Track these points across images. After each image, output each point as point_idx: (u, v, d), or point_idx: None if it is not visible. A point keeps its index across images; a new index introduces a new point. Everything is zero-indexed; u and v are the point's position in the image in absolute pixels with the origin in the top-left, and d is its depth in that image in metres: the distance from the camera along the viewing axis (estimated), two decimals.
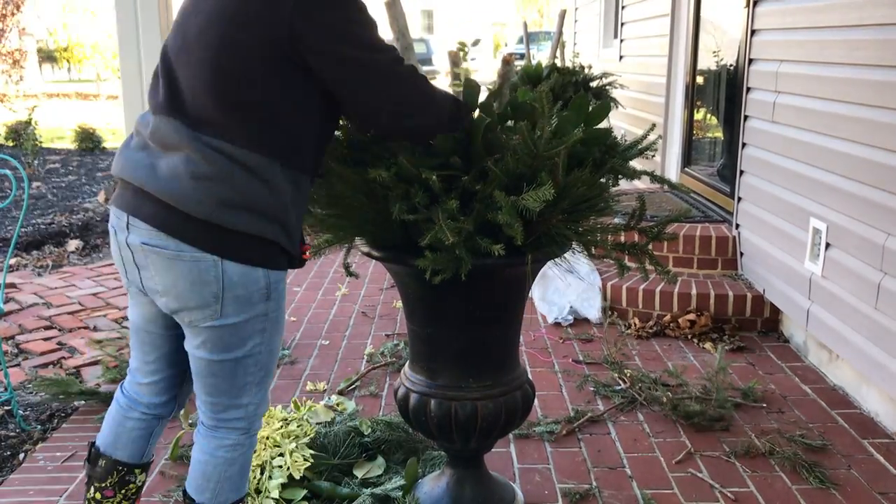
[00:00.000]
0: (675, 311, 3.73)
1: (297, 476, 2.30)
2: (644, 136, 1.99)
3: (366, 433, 2.57)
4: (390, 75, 1.64)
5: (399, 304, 4.06)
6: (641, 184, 4.95)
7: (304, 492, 2.31)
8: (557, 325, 3.82)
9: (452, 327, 2.02)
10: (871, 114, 2.80)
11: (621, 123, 6.28)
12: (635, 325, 3.74)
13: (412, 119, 1.71)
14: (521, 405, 2.12)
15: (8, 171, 2.88)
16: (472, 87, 1.83)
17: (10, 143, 10.12)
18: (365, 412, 2.90)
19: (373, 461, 2.48)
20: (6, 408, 3.05)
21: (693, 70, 5.06)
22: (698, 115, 5.11)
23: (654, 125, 2.15)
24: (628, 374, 3.16)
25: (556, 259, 2.02)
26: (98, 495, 1.88)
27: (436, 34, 33.97)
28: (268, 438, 2.40)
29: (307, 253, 1.78)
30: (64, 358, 3.57)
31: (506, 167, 1.71)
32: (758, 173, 3.74)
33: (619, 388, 3.08)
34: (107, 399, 2.98)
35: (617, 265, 2.00)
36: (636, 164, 2.07)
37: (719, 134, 4.80)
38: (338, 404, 2.92)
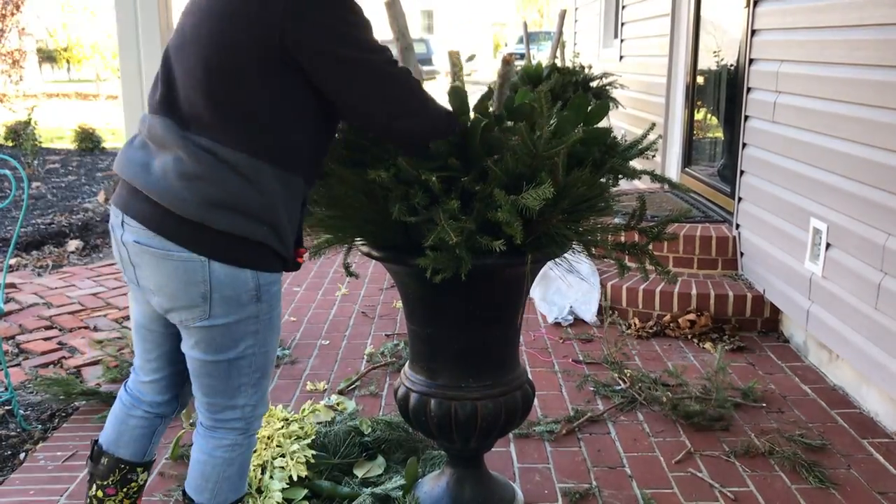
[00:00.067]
0: (676, 311, 3.73)
1: (299, 476, 2.31)
2: (644, 136, 1.99)
3: (366, 433, 2.57)
4: (384, 76, 1.64)
5: (399, 304, 4.06)
6: (641, 184, 4.95)
7: (305, 491, 2.31)
8: (557, 325, 3.82)
9: (452, 327, 2.03)
10: (872, 114, 2.80)
11: (621, 123, 6.28)
12: (635, 325, 3.74)
13: (404, 121, 1.70)
14: (521, 405, 2.12)
15: (8, 172, 2.88)
16: (459, 94, 1.81)
17: (10, 144, 10.13)
18: (365, 412, 2.90)
19: (373, 461, 2.48)
20: (7, 407, 3.05)
21: (693, 70, 5.06)
22: (699, 115, 5.11)
23: (654, 125, 2.15)
24: (628, 374, 3.16)
25: (556, 259, 2.02)
26: (100, 493, 1.88)
27: (436, 34, 33.96)
28: (269, 438, 2.40)
29: (302, 257, 1.77)
30: (64, 358, 3.57)
31: (506, 167, 1.71)
32: (758, 173, 3.74)
33: (619, 387, 3.08)
34: (107, 399, 2.98)
35: (617, 265, 2.00)
36: (636, 163, 2.07)
37: (720, 134, 4.80)
38: (338, 404, 2.92)
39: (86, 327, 3.96)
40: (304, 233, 1.87)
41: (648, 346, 3.57)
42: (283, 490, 2.26)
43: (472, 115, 1.81)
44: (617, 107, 4.84)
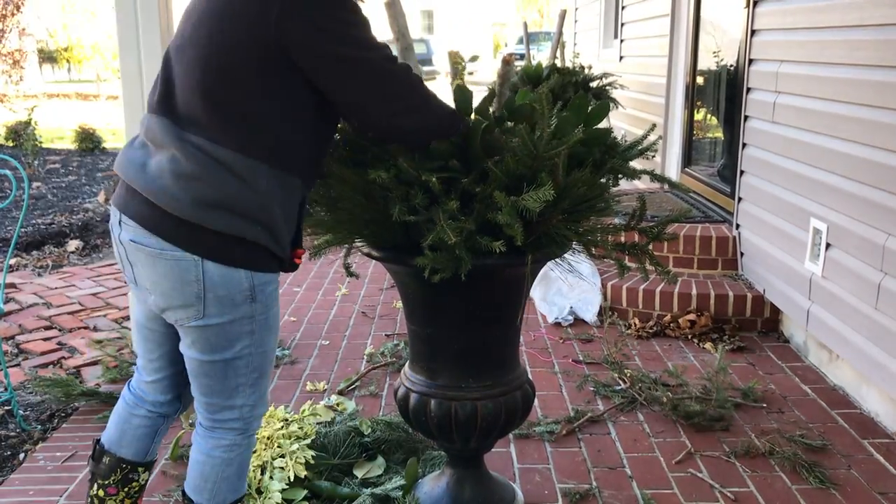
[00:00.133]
0: (676, 312, 3.73)
1: (298, 476, 2.31)
2: (644, 137, 1.99)
3: (366, 433, 2.57)
4: (384, 74, 1.63)
5: (399, 304, 4.06)
6: (642, 184, 4.95)
7: (305, 492, 2.31)
8: (557, 325, 3.82)
9: (452, 327, 2.02)
10: (872, 114, 2.80)
11: (621, 124, 6.28)
12: (635, 325, 3.74)
13: (406, 118, 1.69)
14: (521, 405, 2.12)
15: (8, 172, 2.88)
16: (464, 94, 1.82)
17: (10, 144, 10.13)
18: (365, 412, 2.90)
19: (373, 461, 2.48)
20: (6, 408, 3.05)
21: (693, 70, 5.06)
22: (698, 116, 5.11)
23: (654, 125, 2.15)
24: (628, 374, 3.16)
25: (557, 259, 2.02)
26: (101, 493, 1.88)
27: (436, 34, 33.96)
28: (269, 439, 2.40)
29: (300, 258, 1.77)
30: (64, 358, 3.57)
31: (506, 168, 1.71)
32: (758, 173, 3.74)
33: (619, 388, 3.08)
34: (107, 399, 2.98)
35: (617, 265, 2.00)
36: (636, 164, 2.07)
37: (719, 134, 4.80)
38: (338, 404, 2.92)
39: (86, 327, 3.96)
40: (304, 233, 1.86)
41: (648, 346, 3.57)
42: (282, 490, 2.26)
43: (472, 116, 1.81)
44: (617, 107, 4.85)
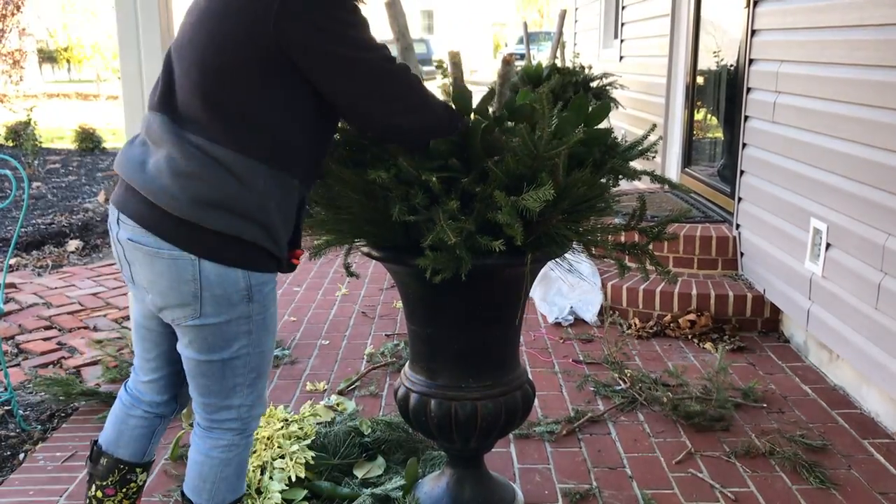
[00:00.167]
0: (676, 312, 3.73)
1: (298, 477, 2.30)
2: (644, 137, 1.99)
3: (366, 433, 2.57)
4: (382, 73, 1.63)
5: (399, 304, 4.06)
6: (642, 184, 4.95)
7: (305, 492, 2.31)
8: (557, 325, 3.82)
9: (452, 327, 2.02)
10: (872, 114, 2.80)
11: (622, 124, 6.28)
12: (635, 325, 3.74)
13: (405, 118, 1.69)
14: (521, 405, 2.12)
15: (8, 172, 2.88)
16: (463, 92, 1.82)
17: (10, 144, 10.13)
18: (365, 412, 2.90)
19: (373, 461, 2.48)
20: (6, 408, 3.05)
21: (693, 70, 5.06)
22: (698, 116, 5.11)
23: (654, 125, 2.15)
24: (628, 374, 3.16)
25: (557, 259, 2.02)
26: (99, 494, 1.88)
27: (436, 34, 33.97)
28: (269, 439, 2.40)
29: (298, 258, 1.77)
30: (64, 358, 3.57)
31: (506, 168, 1.71)
32: (758, 173, 3.74)
33: (620, 388, 3.08)
34: (107, 399, 2.98)
35: (617, 265, 2.00)
36: (636, 164, 2.07)
37: (719, 134, 4.80)
38: (338, 404, 2.92)
39: (85, 327, 3.96)
40: (304, 233, 1.86)
41: (649, 346, 3.57)
42: (282, 491, 2.26)
43: (472, 116, 1.81)
44: (617, 107, 4.86)
